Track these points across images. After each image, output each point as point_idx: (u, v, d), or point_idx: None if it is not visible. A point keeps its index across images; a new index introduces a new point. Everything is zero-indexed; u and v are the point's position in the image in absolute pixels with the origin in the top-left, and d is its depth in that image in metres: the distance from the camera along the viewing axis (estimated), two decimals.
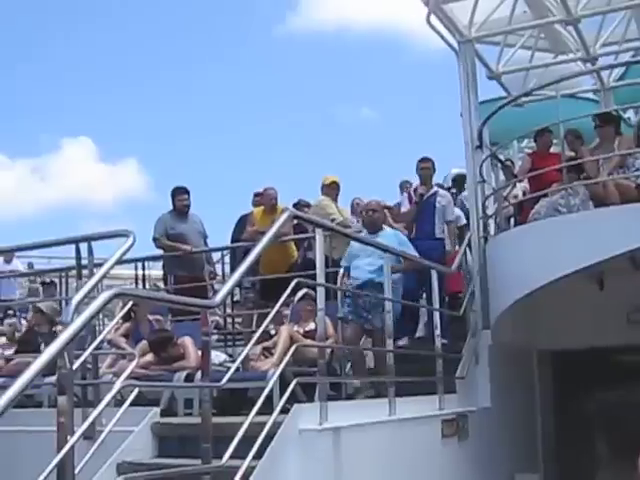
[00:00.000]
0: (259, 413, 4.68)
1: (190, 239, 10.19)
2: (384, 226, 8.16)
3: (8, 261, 14.78)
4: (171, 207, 10.40)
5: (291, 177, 32.61)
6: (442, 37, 9.52)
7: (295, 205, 10.93)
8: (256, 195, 10.97)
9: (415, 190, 9.72)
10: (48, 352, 3.29)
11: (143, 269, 11.42)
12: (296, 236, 9.58)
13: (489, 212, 9.09)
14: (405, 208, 9.90)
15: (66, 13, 40.31)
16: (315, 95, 43.90)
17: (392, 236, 7.89)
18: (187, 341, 7.54)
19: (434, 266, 7.80)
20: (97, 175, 40.92)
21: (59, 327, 8.79)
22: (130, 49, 40.14)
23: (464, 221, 10.77)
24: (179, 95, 40.96)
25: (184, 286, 9.70)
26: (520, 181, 10.11)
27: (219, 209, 27.23)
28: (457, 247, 9.67)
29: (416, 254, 7.90)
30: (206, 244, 10.69)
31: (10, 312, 12.87)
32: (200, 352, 6.82)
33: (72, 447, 3.78)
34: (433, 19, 9.27)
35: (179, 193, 10.38)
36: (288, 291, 5.39)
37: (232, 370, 4.68)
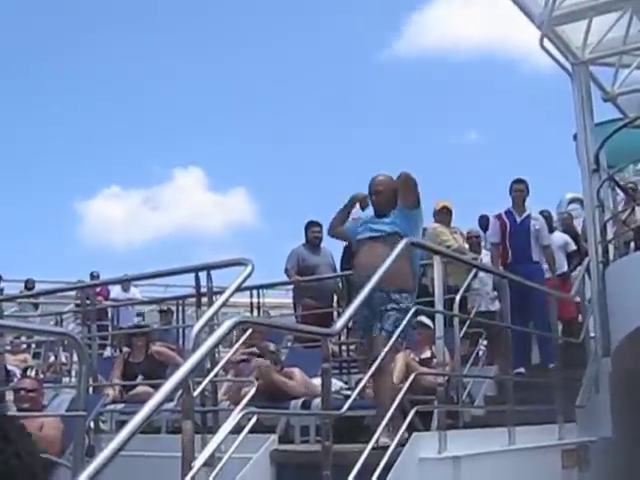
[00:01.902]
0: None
1: (320, 271, 10.56)
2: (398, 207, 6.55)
3: (126, 289, 15.16)
4: (303, 240, 10.91)
5: None
6: (555, 60, 9.37)
7: None
8: None
9: (508, 213, 9.60)
10: (172, 381, 3.30)
11: (258, 297, 11.58)
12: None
13: (608, 237, 8.86)
14: (495, 232, 9.70)
15: (171, 52, 41.25)
16: (422, 119, 43.71)
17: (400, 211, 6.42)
18: (295, 371, 7.74)
19: (554, 293, 7.69)
20: (207, 204, 41.79)
21: (154, 348, 9.01)
22: (232, 83, 40.94)
23: (574, 247, 10.69)
24: (281, 126, 41.46)
25: (306, 312, 10.13)
26: (638, 205, 9.87)
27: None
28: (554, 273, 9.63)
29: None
30: None
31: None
32: (308, 380, 6.99)
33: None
34: (546, 42, 9.16)
35: (312, 226, 10.86)
36: (407, 319, 5.38)
37: (352, 398, 4.68)
